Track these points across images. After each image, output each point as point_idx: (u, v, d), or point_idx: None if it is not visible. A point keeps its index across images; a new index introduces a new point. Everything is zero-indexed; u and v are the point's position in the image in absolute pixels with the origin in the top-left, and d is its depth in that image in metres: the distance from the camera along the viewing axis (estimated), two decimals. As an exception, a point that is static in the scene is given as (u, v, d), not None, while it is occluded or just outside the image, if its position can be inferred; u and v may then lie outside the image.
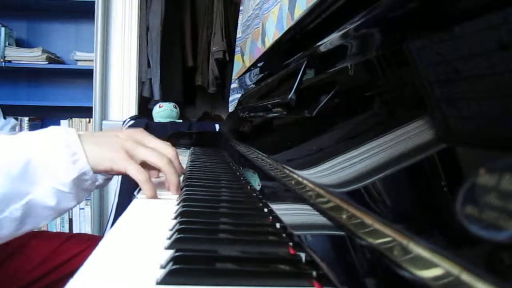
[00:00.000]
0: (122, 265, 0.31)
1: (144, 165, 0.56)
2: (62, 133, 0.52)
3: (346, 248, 0.28)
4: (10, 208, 0.47)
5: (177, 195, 0.56)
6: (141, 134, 0.59)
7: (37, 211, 0.49)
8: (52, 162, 0.49)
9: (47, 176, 0.49)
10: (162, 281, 0.28)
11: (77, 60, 2.41)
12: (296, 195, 0.40)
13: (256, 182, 0.62)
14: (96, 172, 0.53)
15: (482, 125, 0.21)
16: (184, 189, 0.56)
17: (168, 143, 0.63)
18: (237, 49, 1.75)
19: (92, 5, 1.94)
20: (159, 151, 0.57)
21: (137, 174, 0.53)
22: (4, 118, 0.90)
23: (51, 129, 0.54)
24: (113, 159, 0.53)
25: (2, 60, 2.31)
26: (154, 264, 0.31)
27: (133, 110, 1.99)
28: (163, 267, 0.31)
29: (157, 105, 1.99)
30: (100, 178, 0.66)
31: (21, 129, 2.37)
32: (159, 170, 0.59)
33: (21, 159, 0.48)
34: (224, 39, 2.28)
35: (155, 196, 0.55)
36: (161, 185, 0.61)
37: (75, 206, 0.53)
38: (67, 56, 2.48)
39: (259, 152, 0.65)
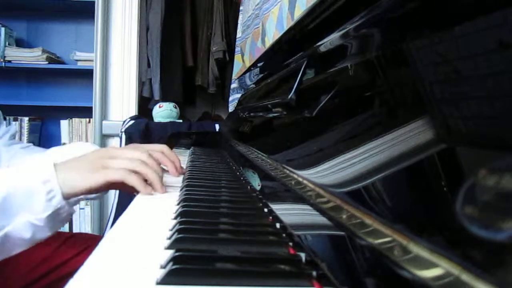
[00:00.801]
0: (122, 265, 0.31)
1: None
2: (40, 167, 0.54)
3: (346, 248, 0.28)
4: None
5: (163, 193, 0.58)
6: (107, 151, 0.60)
7: (12, 242, 0.51)
8: (29, 199, 0.51)
9: (24, 212, 0.51)
10: (162, 281, 0.28)
11: (77, 60, 2.40)
12: (296, 195, 0.40)
13: (256, 182, 0.62)
14: (77, 195, 0.55)
15: (482, 125, 0.21)
16: (184, 189, 0.56)
17: (140, 150, 0.62)
18: (237, 49, 1.75)
19: (92, 5, 1.94)
20: (130, 158, 0.58)
21: (115, 174, 0.55)
22: (4, 118, 0.90)
23: (30, 162, 0.56)
24: (88, 179, 0.54)
25: (2, 60, 2.31)
26: (154, 264, 0.31)
27: (133, 110, 1.98)
28: (163, 267, 0.31)
29: (157, 105, 1.99)
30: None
31: (21, 130, 2.37)
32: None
33: None
34: (224, 39, 2.28)
35: (144, 184, 0.56)
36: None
37: (50, 235, 0.56)
38: (67, 56, 2.48)
39: (259, 152, 0.65)
